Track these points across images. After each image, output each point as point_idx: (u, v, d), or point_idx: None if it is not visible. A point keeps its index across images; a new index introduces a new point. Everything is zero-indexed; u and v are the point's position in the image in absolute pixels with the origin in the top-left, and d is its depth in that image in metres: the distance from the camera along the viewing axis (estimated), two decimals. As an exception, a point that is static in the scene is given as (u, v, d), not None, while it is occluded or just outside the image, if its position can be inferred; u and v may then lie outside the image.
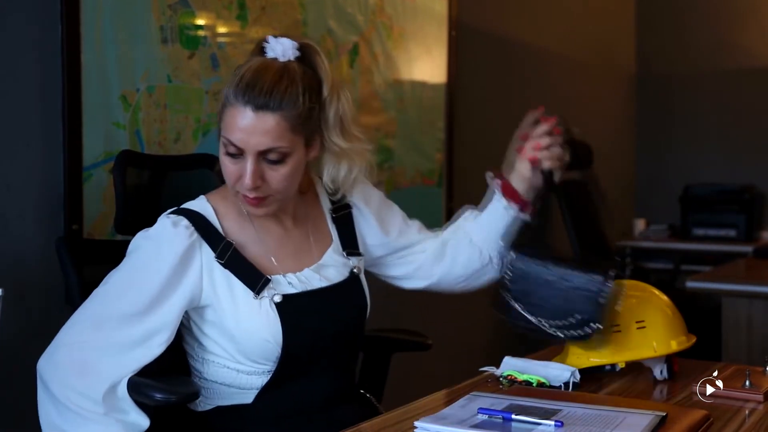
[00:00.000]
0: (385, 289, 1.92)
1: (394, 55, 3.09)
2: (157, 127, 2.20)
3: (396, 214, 1.79)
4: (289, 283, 1.55)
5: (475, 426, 1.28)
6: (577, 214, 4.21)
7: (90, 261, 1.65)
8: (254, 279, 1.51)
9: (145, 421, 1.43)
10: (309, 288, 1.56)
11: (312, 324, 1.54)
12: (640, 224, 5.21)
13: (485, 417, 1.32)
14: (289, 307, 1.52)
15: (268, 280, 1.52)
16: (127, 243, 1.64)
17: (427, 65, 3.30)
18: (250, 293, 1.50)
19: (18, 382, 1.89)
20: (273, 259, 1.56)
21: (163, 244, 1.49)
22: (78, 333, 1.45)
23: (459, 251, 1.79)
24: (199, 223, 1.52)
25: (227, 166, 1.49)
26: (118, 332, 1.44)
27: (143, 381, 1.45)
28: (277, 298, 1.51)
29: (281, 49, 1.49)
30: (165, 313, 1.47)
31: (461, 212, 1.85)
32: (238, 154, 1.46)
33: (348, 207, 1.70)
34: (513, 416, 1.30)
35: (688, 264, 4.62)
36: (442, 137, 3.40)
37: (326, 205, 1.68)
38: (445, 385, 1.60)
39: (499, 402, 1.39)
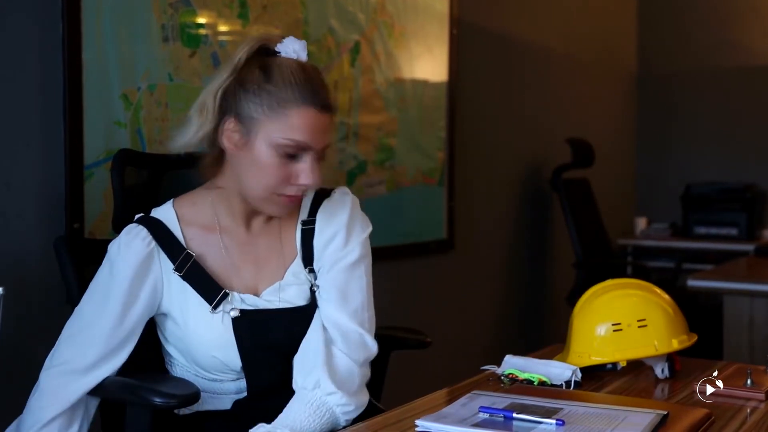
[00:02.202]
0: (385, 289, 1.92)
1: (395, 54, 3.09)
2: (158, 126, 2.20)
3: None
4: (248, 302, 1.53)
5: (476, 425, 1.28)
6: (578, 214, 4.21)
7: (90, 260, 1.65)
8: (212, 292, 1.50)
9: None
10: (270, 307, 1.53)
11: (269, 342, 1.52)
12: (641, 223, 5.21)
13: (486, 415, 1.32)
14: (245, 324, 1.50)
15: (226, 294, 1.50)
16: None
17: (428, 64, 3.30)
18: (207, 307, 1.50)
19: (18, 381, 1.89)
20: (234, 271, 1.54)
21: (119, 258, 1.50)
22: (56, 354, 1.50)
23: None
24: (158, 232, 1.51)
25: (274, 168, 1.46)
26: (90, 350, 1.47)
27: (140, 384, 1.45)
28: (234, 314, 1.49)
29: (305, 52, 1.52)
30: (130, 323, 1.50)
31: None
32: (295, 154, 1.46)
33: (314, 222, 1.61)
34: (514, 415, 1.30)
35: (690, 262, 4.62)
36: (444, 136, 3.40)
37: (303, 215, 1.61)
38: (446, 384, 1.60)
39: (500, 400, 1.39)
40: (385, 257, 2.81)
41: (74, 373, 1.46)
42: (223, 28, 2.39)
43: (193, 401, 1.44)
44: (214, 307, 1.49)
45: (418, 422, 1.32)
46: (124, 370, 1.50)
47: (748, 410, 1.44)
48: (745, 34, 5.11)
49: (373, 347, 1.56)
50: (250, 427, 1.45)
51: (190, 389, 1.44)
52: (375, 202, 2.94)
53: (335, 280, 1.56)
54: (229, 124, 1.49)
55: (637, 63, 5.41)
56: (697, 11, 5.24)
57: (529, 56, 4.12)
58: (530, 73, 4.15)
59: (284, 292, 1.55)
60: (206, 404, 1.55)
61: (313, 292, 1.57)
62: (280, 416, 1.44)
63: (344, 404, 1.46)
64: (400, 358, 2.02)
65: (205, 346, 1.50)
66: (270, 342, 1.52)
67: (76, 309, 1.52)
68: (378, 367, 1.89)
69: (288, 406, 1.46)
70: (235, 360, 1.50)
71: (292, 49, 1.50)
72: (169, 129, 2.22)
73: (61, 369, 1.47)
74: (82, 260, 1.66)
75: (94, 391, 1.47)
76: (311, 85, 1.46)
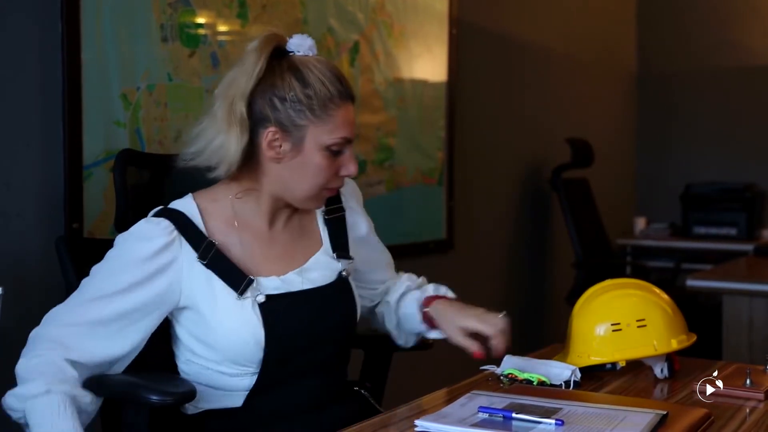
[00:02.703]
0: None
1: (394, 54, 3.09)
2: (157, 126, 2.20)
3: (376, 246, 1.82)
4: (272, 284, 1.53)
5: (476, 425, 1.28)
6: (578, 213, 4.21)
7: (90, 260, 1.65)
8: (237, 279, 1.49)
9: (93, 401, 1.41)
10: (293, 289, 1.55)
11: (294, 326, 1.52)
12: (640, 223, 5.21)
13: (485, 415, 1.32)
14: (272, 309, 1.50)
15: (251, 281, 1.50)
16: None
17: (427, 64, 3.30)
18: (233, 294, 1.49)
19: (17, 380, 1.89)
20: (257, 261, 1.54)
21: (139, 240, 1.48)
22: (58, 314, 1.46)
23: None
24: (180, 222, 1.50)
25: (326, 167, 1.52)
26: (88, 311, 1.44)
27: (136, 381, 1.44)
28: (260, 299, 1.50)
29: (310, 44, 1.55)
30: (133, 300, 1.45)
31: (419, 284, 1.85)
32: (341, 149, 1.52)
33: (342, 210, 1.69)
34: (513, 415, 1.30)
35: (689, 262, 4.62)
36: (443, 136, 3.40)
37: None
38: (446, 384, 1.60)
39: (500, 400, 1.39)
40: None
41: (72, 326, 1.43)
42: (222, 28, 2.39)
43: (189, 399, 1.43)
44: (240, 294, 1.48)
45: (417, 422, 1.32)
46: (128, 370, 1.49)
47: (748, 410, 1.44)
48: (744, 33, 5.11)
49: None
50: (260, 424, 1.49)
51: (186, 387, 1.43)
52: (374, 202, 2.94)
53: (372, 253, 1.76)
54: (272, 135, 1.49)
55: (637, 63, 5.41)
56: (697, 11, 5.24)
57: (529, 56, 4.12)
58: (530, 73, 4.15)
59: (307, 275, 1.58)
60: (217, 402, 1.54)
61: (341, 277, 1.61)
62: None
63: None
64: (400, 358, 2.02)
65: (235, 333, 1.48)
66: (296, 325, 1.53)
67: (82, 282, 1.50)
68: (380, 367, 1.89)
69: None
70: (261, 348, 1.49)
71: (307, 46, 1.54)
72: (168, 129, 2.22)
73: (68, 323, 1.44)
74: (82, 260, 1.66)
75: (95, 390, 1.46)
76: (341, 80, 1.53)
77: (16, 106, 1.93)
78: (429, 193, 3.34)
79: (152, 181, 1.74)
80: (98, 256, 1.57)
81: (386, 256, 1.82)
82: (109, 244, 1.55)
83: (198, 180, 1.71)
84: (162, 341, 1.58)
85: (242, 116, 1.46)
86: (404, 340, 1.80)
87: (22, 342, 1.49)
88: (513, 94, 4.00)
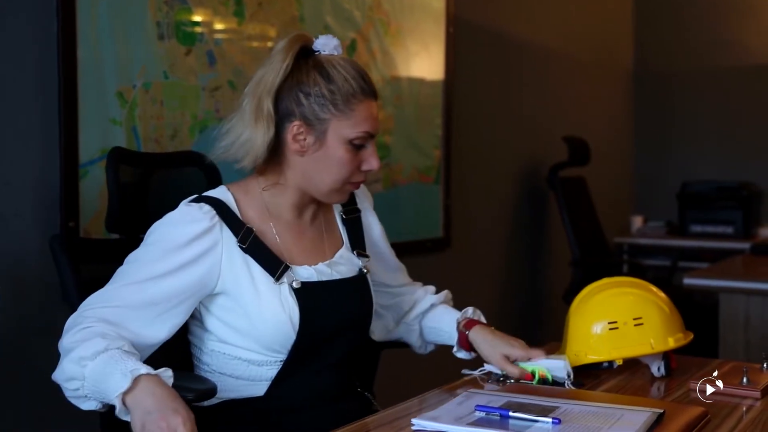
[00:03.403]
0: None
1: (391, 52, 3.09)
2: (153, 124, 2.19)
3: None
4: (305, 273, 1.58)
5: (473, 423, 1.28)
6: (575, 212, 4.21)
7: (86, 258, 1.65)
8: (274, 265, 1.54)
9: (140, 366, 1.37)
10: (324, 279, 1.60)
11: (326, 313, 1.57)
12: (637, 221, 5.21)
13: (482, 414, 1.32)
14: (307, 294, 1.55)
15: (287, 267, 1.55)
16: (121, 241, 1.64)
17: (424, 62, 3.29)
18: (270, 279, 1.53)
19: (17, 379, 1.89)
20: (289, 251, 1.59)
21: (181, 224, 1.50)
22: (99, 298, 1.44)
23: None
24: (220, 208, 1.54)
25: (349, 161, 1.56)
26: (132, 294, 1.43)
27: None
28: (296, 284, 1.54)
29: (336, 44, 1.59)
30: (179, 283, 1.46)
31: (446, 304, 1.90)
32: (363, 144, 1.56)
33: (358, 211, 1.75)
34: (510, 413, 1.30)
35: (686, 261, 4.62)
36: (440, 134, 3.40)
37: (337, 207, 1.73)
38: (443, 383, 1.60)
39: (497, 399, 1.39)
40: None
41: (118, 307, 1.42)
42: (218, 26, 2.39)
43: (209, 396, 1.44)
44: (277, 279, 1.52)
45: (414, 421, 1.31)
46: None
47: (744, 408, 1.44)
48: (742, 32, 5.11)
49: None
50: (276, 417, 1.53)
51: (206, 384, 1.44)
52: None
53: (385, 254, 1.81)
54: (296, 128, 1.54)
55: (635, 61, 5.41)
56: (695, 9, 5.25)
57: (526, 54, 4.12)
58: (527, 72, 4.14)
59: (336, 267, 1.63)
60: (239, 391, 1.56)
61: (361, 272, 1.67)
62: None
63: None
64: (397, 356, 2.02)
65: (273, 317, 1.51)
66: (329, 311, 1.58)
67: (118, 270, 1.48)
68: (369, 365, 1.89)
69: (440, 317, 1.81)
70: (295, 331, 1.52)
71: (332, 46, 1.58)
72: (165, 127, 2.22)
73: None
74: (78, 258, 1.65)
75: None
76: (364, 78, 1.56)
77: (12, 105, 1.92)
78: (426, 192, 3.33)
79: (144, 179, 1.73)
80: (94, 255, 1.57)
81: (397, 261, 1.87)
82: (104, 243, 1.55)
83: (186, 179, 1.71)
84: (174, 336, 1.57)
85: (269, 111, 1.52)
86: (424, 348, 1.87)
87: (20, 341, 1.48)
88: (510, 93, 4.00)
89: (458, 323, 1.78)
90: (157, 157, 1.90)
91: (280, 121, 1.54)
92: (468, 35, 3.57)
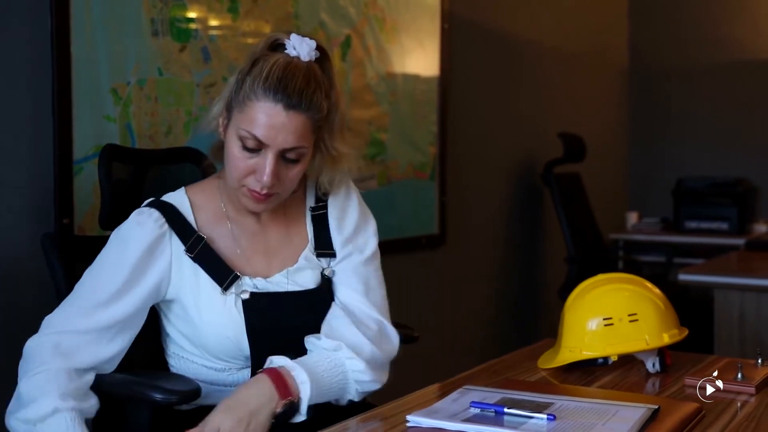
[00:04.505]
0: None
1: (386, 48, 3.08)
2: (148, 121, 2.19)
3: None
4: (258, 284, 1.54)
5: (468, 420, 1.28)
6: (570, 208, 4.21)
7: (80, 256, 1.64)
8: (223, 274, 1.51)
9: (95, 404, 1.42)
10: (278, 290, 1.55)
11: (278, 325, 1.53)
12: (632, 217, 5.22)
13: (477, 410, 1.32)
14: (256, 306, 1.51)
15: (237, 277, 1.51)
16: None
17: (419, 58, 3.29)
18: (217, 289, 1.50)
19: (9, 377, 1.88)
20: (245, 258, 1.55)
21: (129, 237, 1.50)
22: (57, 321, 1.47)
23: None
24: (171, 215, 1.52)
25: (238, 159, 1.47)
26: (88, 319, 1.45)
27: (140, 380, 1.44)
28: (244, 296, 1.50)
29: (307, 50, 1.49)
30: (131, 301, 1.47)
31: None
32: (256, 149, 1.46)
33: (325, 207, 1.65)
34: (505, 410, 1.30)
35: (681, 257, 4.63)
36: (435, 130, 3.40)
37: (309, 203, 1.65)
38: (438, 379, 1.60)
39: (492, 395, 1.38)
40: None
41: (74, 333, 1.43)
42: (213, 22, 2.38)
43: (194, 398, 1.44)
44: (225, 289, 1.50)
45: (409, 417, 1.31)
46: (122, 366, 1.49)
47: (739, 404, 1.45)
48: (736, 29, 5.11)
49: (395, 339, 1.60)
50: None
51: (190, 385, 1.44)
52: (366, 196, 2.92)
53: (357, 271, 1.61)
54: (223, 112, 1.52)
55: (630, 57, 5.41)
56: (689, 5, 5.25)
57: (521, 51, 4.11)
58: (522, 68, 4.14)
59: (295, 276, 1.57)
60: (210, 398, 1.53)
61: (324, 277, 1.59)
62: (299, 359, 1.45)
63: (361, 371, 1.48)
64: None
65: (215, 328, 1.49)
66: (280, 324, 1.53)
67: (77, 285, 1.50)
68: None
69: (307, 356, 1.48)
70: (244, 343, 1.50)
71: (292, 45, 1.50)
72: (159, 124, 2.22)
73: (61, 332, 1.44)
74: (71, 256, 1.65)
75: (96, 390, 1.45)
76: (282, 82, 1.44)
77: (6, 102, 1.92)
78: (421, 188, 3.33)
79: (137, 176, 1.73)
80: (87, 253, 1.57)
81: (376, 294, 1.64)
82: (98, 241, 1.55)
83: (181, 175, 1.71)
84: (149, 336, 1.58)
85: (222, 92, 1.53)
86: None
87: (13, 338, 1.48)
88: (505, 89, 4.00)
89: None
90: (153, 154, 1.90)
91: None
92: (463, 32, 3.57)
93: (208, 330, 1.50)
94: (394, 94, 3.15)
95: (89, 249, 1.61)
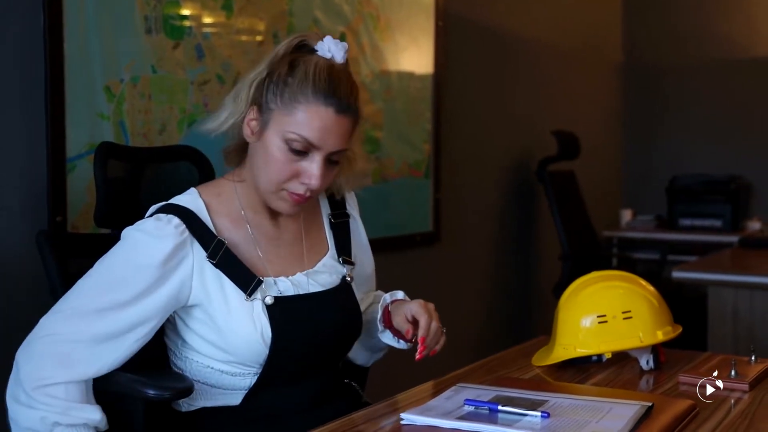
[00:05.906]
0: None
1: (381, 46, 3.08)
2: (141, 118, 2.18)
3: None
4: (281, 286, 1.52)
5: (462, 417, 1.28)
6: (564, 206, 4.22)
7: (74, 253, 1.64)
8: (246, 280, 1.48)
9: (98, 416, 1.41)
10: (301, 292, 1.54)
11: (302, 328, 1.52)
12: (626, 214, 5.22)
13: (471, 408, 1.32)
14: (281, 310, 1.49)
15: (260, 282, 1.49)
16: (109, 236, 1.63)
17: (414, 56, 3.29)
18: (242, 294, 1.48)
19: (3, 374, 1.88)
20: (265, 261, 1.53)
21: (151, 242, 1.44)
22: (54, 324, 1.42)
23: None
24: (190, 220, 1.48)
25: (282, 162, 1.46)
26: (95, 324, 1.41)
27: (133, 377, 1.43)
28: (269, 300, 1.48)
29: (342, 52, 1.51)
30: (145, 309, 1.43)
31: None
32: (303, 151, 1.45)
33: (347, 216, 1.69)
34: (499, 407, 1.30)
35: (675, 254, 4.63)
36: (430, 128, 3.40)
37: (326, 210, 1.66)
38: (432, 377, 1.60)
39: (486, 393, 1.39)
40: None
41: (79, 342, 1.40)
42: (207, 19, 2.37)
43: (186, 394, 1.43)
44: (249, 295, 1.48)
45: (403, 415, 1.31)
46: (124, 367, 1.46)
47: (732, 401, 1.45)
48: (730, 25, 5.12)
49: None
50: (258, 424, 1.49)
51: (184, 383, 1.42)
52: (361, 194, 2.93)
53: (368, 280, 1.74)
54: (252, 113, 1.49)
55: (624, 54, 5.41)
56: (683, 3, 5.25)
57: (515, 48, 4.12)
58: (516, 65, 4.14)
59: (316, 276, 1.57)
60: (215, 400, 1.52)
61: (345, 281, 1.60)
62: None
63: None
64: (387, 350, 2.01)
65: (243, 335, 1.47)
66: (304, 326, 1.52)
67: (78, 286, 1.45)
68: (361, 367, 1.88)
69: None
70: (268, 348, 1.48)
71: (327, 48, 1.50)
72: (153, 121, 2.21)
73: (65, 338, 1.41)
74: (65, 254, 1.64)
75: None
76: (331, 85, 1.45)
77: (-2, 99, 1.91)
78: (416, 186, 3.33)
79: (132, 175, 1.72)
80: (82, 250, 1.56)
81: (373, 271, 1.79)
82: (92, 238, 1.54)
83: (177, 173, 1.69)
84: (156, 342, 1.56)
85: (239, 93, 1.50)
86: (364, 359, 1.77)
87: (6, 335, 1.47)
88: (499, 86, 4.00)
89: (385, 303, 1.65)
90: (149, 152, 1.89)
91: (248, 107, 1.50)
92: (457, 29, 3.57)
93: (235, 336, 1.47)
94: (389, 92, 3.14)
95: (83, 246, 1.60)
